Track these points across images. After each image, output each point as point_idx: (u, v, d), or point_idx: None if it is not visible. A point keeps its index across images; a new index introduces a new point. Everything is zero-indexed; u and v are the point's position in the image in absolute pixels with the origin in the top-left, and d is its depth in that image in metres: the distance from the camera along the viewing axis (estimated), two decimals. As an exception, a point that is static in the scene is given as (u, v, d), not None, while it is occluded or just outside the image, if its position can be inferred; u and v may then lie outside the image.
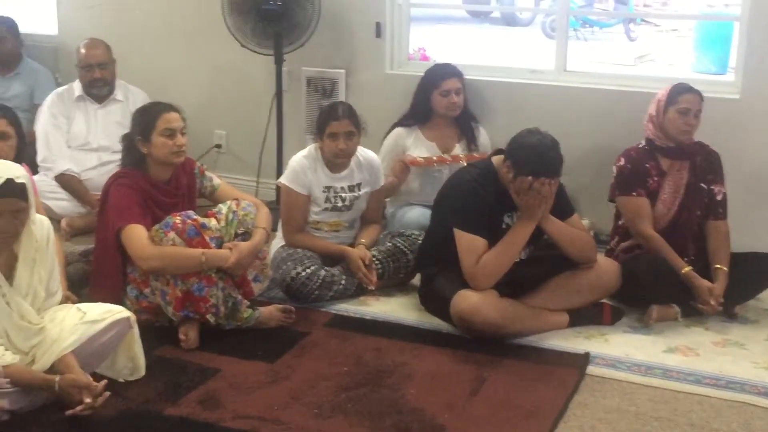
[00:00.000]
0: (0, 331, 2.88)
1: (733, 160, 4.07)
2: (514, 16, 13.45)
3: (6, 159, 3.19)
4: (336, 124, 3.89)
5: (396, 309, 3.86)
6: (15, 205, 2.85)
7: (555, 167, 3.48)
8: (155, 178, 3.60)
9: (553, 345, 3.52)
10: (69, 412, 2.84)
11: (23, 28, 5.64)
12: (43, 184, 4.55)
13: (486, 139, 4.62)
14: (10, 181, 2.83)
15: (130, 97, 5.01)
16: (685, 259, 3.78)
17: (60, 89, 5.03)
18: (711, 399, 3.12)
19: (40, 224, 3.04)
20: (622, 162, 3.90)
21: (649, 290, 3.69)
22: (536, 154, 3.44)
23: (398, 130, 4.56)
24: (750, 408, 3.07)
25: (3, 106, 3.73)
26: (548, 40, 11.76)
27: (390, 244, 4.04)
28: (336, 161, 3.97)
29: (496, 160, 3.64)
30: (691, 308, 3.73)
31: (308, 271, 3.83)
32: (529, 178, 3.44)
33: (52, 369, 2.91)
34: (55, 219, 4.18)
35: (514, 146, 3.52)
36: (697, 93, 3.85)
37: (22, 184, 2.86)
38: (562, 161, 3.50)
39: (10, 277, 2.93)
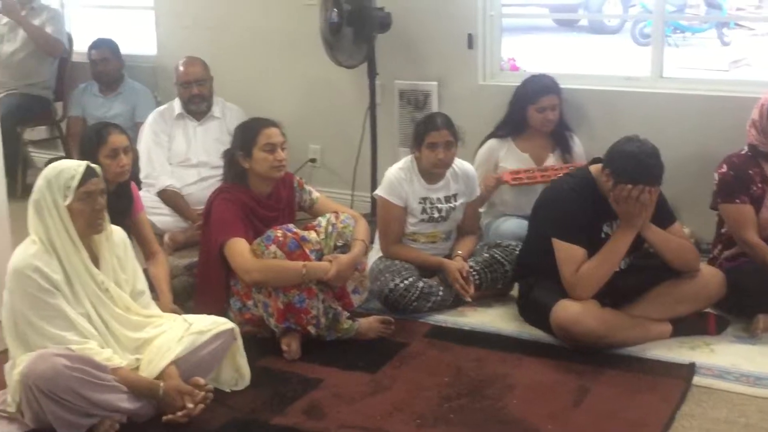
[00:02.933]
0: (99, 324, 2.98)
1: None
2: (602, 23, 13.27)
3: (128, 172, 3.37)
4: (435, 134, 3.91)
5: (494, 319, 3.86)
6: (101, 184, 3.03)
7: (655, 175, 3.43)
8: (256, 192, 3.67)
9: (656, 355, 3.46)
10: (166, 417, 2.93)
11: (124, 50, 5.83)
12: (146, 200, 4.65)
13: (580, 148, 4.58)
14: (90, 166, 3.01)
15: (227, 114, 5.12)
16: (793, 267, 3.69)
17: (161, 108, 5.18)
18: (824, 410, 3.04)
19: (117, 230, 3.18)
20: (724, 169, 3.82)
21: (756, 299, 3.61)
22: (636, 162, 3.40)
23: (491, 141, 4.55)
24: None
25: (114, 123, 3.88)
26: (638, 47, 11.61)
27: (487, 255, 4.04)
28: (434, 171, 3.99)
29: (594, 168, 3.61)
30: (800, 317, 3.63)
31: (406, 282, 3.86)
32: (629, 186, 3.40)
33: (155, 380, 2.99)
34: (158, 234, 4.29)
35: (614, 154, 3.48)
36: (803, 96, 3.76)
37: (97, 168, 3.05)
38: (663, 169, 3.45)
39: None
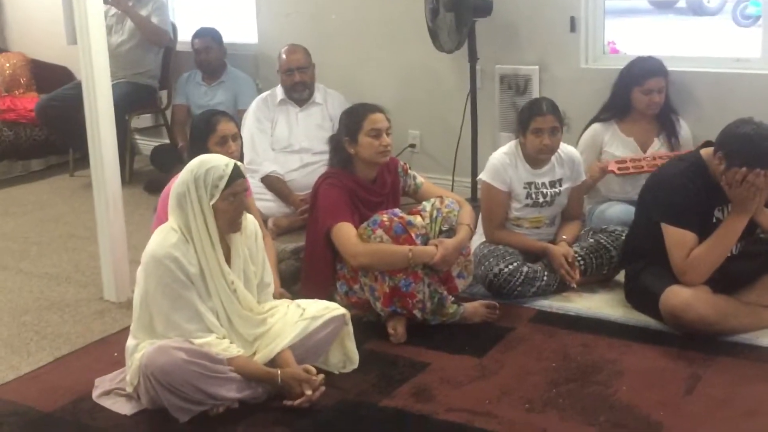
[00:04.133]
0: (224, 320, 3.04)
1: None
2: (701, 4, 12.94)
3: (237, 158, 3.44)
4: (541, 120, 3.88)
5: (600, 305, 3.81)
6: (245, 184, 3.06)
7: (771, 158, 3.34)
8: (362, 177, 3.71)
9: (770, 343, 3.39)
10: (289, 403, 2.98)
11: (226, 38, 5.93)
12: (251, 186, 4.76)
13: (687, 132, 4.48)
14: (237, 165, 3.04)
15: (328, 100, 5.17)
16: None
17: (264, 94, 5.26)
18: None
19: (250, 220, 3.21)
20: (841, 151, 3.69)
21: None
22: (751, 144, 3.32)
23: (595, 126, 4.49)
24: None
25: (223, 111, 3.95)
26: (739, 29, 11.28)
27: (592, 240, 3.99)
28: (540, 157, 3.96)
29: (705, 152, 3.53)
30: None
31: (511, 267, 3.84)
32: (744, 169, 3.32)
33: (270, 363, 3.06)
34: (262, 219, 4.36)
35: (727, 136, 3.40)
36: None
37: (242, 166, 3.08)
38: (779, 152, 3.36)
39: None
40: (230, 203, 2.99)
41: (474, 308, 3.65)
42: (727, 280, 3.49)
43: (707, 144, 3.57)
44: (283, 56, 5.11)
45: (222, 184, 2.96)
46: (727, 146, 3.38)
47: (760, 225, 3.49)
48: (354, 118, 3.69)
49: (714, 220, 3.51)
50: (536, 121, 3.88)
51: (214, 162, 3.02)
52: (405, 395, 3.11)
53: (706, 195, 3.48)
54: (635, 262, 3.71)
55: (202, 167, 2.99)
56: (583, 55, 4.97)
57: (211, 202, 2.97)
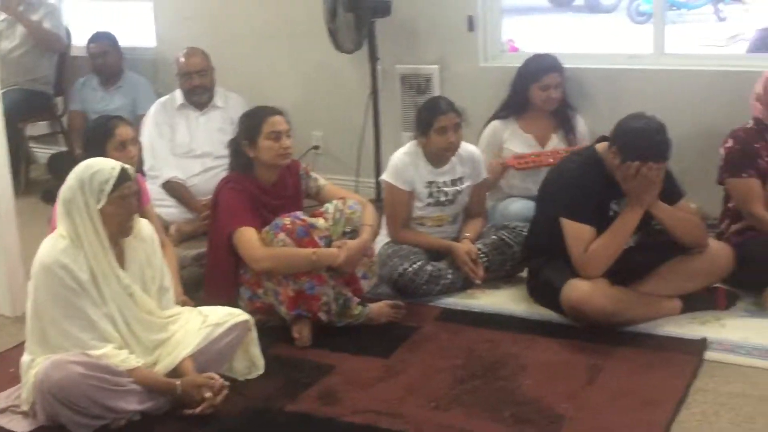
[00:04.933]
0: (122, 326, 2.97)
1: None
2: (598, 2, 13.24)
3: (135, 162, 3.38)
4: (443, 118, 3.90)
5: (504, 301, 3.86)
6: (134, 187, 3.00)
7: (663, 151, 3.43)
8: (262, 180, 3.67)
9: (667, 331, 3.47)
10: (189, 411, 2.92)
11: (123, 42, 5.81)
12: (151, 192, 4.64)
13: (584, 127, 4.57)
14: (124, 168, 2.97)
15: (229, 103, 5.10)
16: (801, 239, 3.69)
17: (163, 99, 5.16)
18: (837, 381, 3.05)
19: (144, 224, 3.16)
20: (730, 143, 3.82)
21: (765, 272, 3.62)
22: (643, 138, 3.40)
23: (495, 123, 4.54)
24: None
25: (119, 116, 3.87)
26: (634, 26, 11.57)
27: (495, 237, 4.04)
28: (446, 155, 3.98)
29: (601, 147, 3.60)
30: (810, 289, 3.64)
31: (415, 266, 3.86)
32: (637, 163, 3.39)
33: (172, 372, 3.00)
34: (164, 226, 4.28)
35: (620, 131, 3.48)
36: (807, 69, 3.75)
37: (131, 169, 3.02)
38: (670, 144, 3.45)
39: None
40: (118, 207, 2.93)
41: (379, 309, 3.65)
42: (624, 271, 3.57)
43: (602, 139, 3.64)
44: (181, 60, 5.02)
45: (108, 188, 2.90)
46: (621, 141, 3.46)
47: (654, 217, 3.57)
48: (252, 122, 3.66)
49: (611, 213, 3.58)
50: (439, 120, 3.90)
51: (100, 165, 2.95)
52: (311, 399, 3.09)
53: (603, 189, 3.55)
54: (537, 257, 3.76)
55: (88, 171, 2.93)
56: (482, 54, 5.03)
57: (99, 206, 2.90)
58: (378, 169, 4.98)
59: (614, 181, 3.51)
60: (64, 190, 2.95)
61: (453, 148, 3.97)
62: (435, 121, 3.92)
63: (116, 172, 2.93)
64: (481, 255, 3.96)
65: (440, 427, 2.87)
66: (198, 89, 5.01)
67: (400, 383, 3.17)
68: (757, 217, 3.72)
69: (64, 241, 2.91)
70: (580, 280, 3.47)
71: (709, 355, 3.27)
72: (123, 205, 2.94)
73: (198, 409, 2.91)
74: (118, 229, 2.97)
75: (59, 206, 2.96)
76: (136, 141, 3.69)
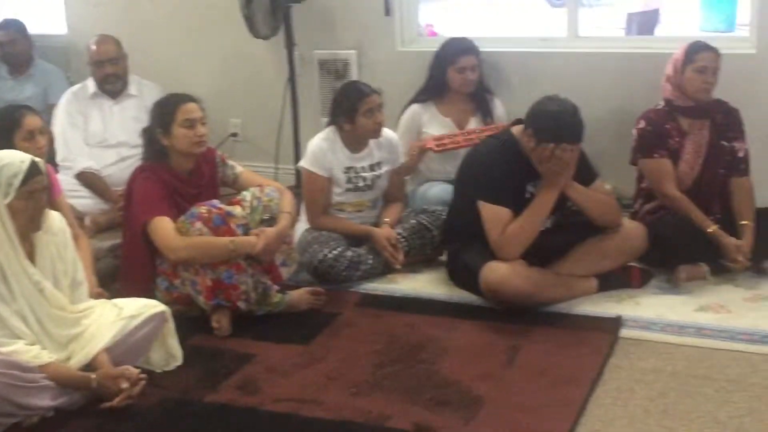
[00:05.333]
0: (33, 323, 2.89)
1: (752, 116, 4.05)
2: (517, -14, 13.37)
3: (45, 154, 3.29)
4: (369, 100, 3.90)
5: (425, 285, 3.88)
6: (44, 181, 2.92)
7: (576, 133, 3.47)
8: (177, 169, 3.61)
9: (584, 311, 3.53)
10: (106, 404, 2.87)
11: (32, 29, 5.64)
12: (65, 183, 4.52)
13: (501, 110, 4.61)
14: (34, 161, 2.89)
15: (144, 91, 5.00)
16: (711, 217, 3.78)
17: (74, 88, 5.04)
18: (747, 354, 3.13)
19: (55, 217, 3.08)
20: (642, 124, 3.89)
21: (677, 250, 3.70)
22: (557, 121, 3.44)
23: (413, 107, 4.55)
24: (787, 361, 3.07)
25: (26, 105, 3.77)
26: (552, 9, 11.71)
27: (414, 221, 4.05)
28: (374, 137, 3.99)
29: (517, 130, 3.63)
30: (719, 266, 3.73)
31: (335, 252, 3.85)
32: (551, 145, 3.43)
33: (86, 366, 2.94)
34: (78, 217, 4.19)
35: (535, 114, 3.51)
36: (714, 50, 3.83)
37: (41, 163, 2.93)
38: (584, 126, 3.50)
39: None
40: (27, 202, 2.85)
41: (299, 296, 3.64)
42: (541, 253, 3.61)
43: (518, 122, 3.67)
44: (93, 47, 4.90)
45: (17, 182, 2.82)
46: (535, 123, 3.49)
47: (569, 198, 3.62)
48: (166, 109, 3.59)
49: (527, 195, 3.62)
50: (366, 103, 3.90)
51: (9, 159, 2.86)
52: (231, 389, 3.06)
53: (519, 171, 3.59)
54: (456, 240, 3.78)
55: None
56: (399, 38, 5.03)
57: (6, 201, 2.82)
58: (297, 156, 4.95)
59: (530, 164, 3.54)
60: None
61: (380, 128, 3.98)
62: (362, 105, 3.90)
63: (25, 166, 2.85)
64: (401, 240, 3.97)
65: (361, 413, 2.86)
66: (111, 77, 4.90)
67: (320, 370, 3.16)
68: (669, 196, 3.80)
69: None
70: (497, 263, 3.50)
71: (624, 332, 3.34)
72: (32, 199, 2.87)
73: (115, 401, 2.86)
74: (27, 224, 2.89)
75: None
76: (45, 131, 3.60)
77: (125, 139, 4.86)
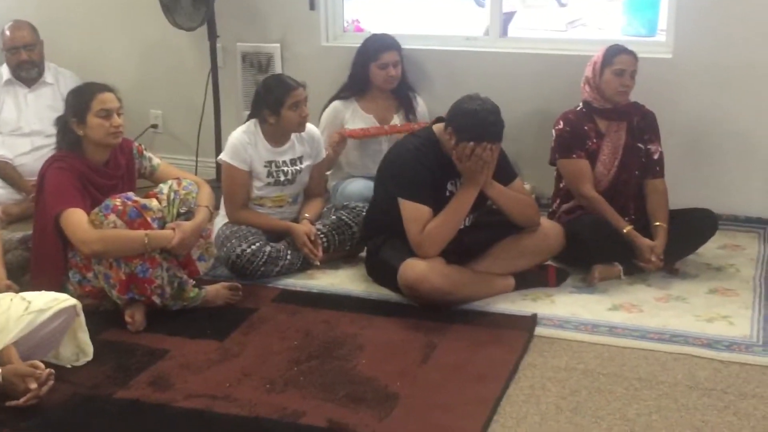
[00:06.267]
0: None
1: (668, 119, 4.14)
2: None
3: None
4: (296, 93, 3.88)
5: (343, 281, 3.86)
6: None
7: (496, 132, 3.49)
8: (92, 160, 3.53)
9: (500, 309, 3.55)
10: (12, 403, 2.79)
11: (-57, 13, 5.48)
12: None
13: (424, 108, 4.62)
14: None
15: (60, 80, 4.91)
16: (626, 218, 3.85)
17: (-13, 74, 4.91)
18: (656, 353, 3.19)
19: None
20: (560, 125, 3.94)
21: (592, 250, 3.75)
22: (477, 120, 3.45)
23: (335, 103, 4.53)
24: (694, 360, 3.13)
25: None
26: (478, 9, 11.79)
27: (334, 218, 4.03)
28: (299, 130, 3.96)
29: (437, 128, 3.64)
30: (633, 266, 3.80)
31: (253, 247, 3.81)
32: (471, 143, 3.45)
33: (-7, 361, 2.86)
34: (-11, 207, 4.09)
35: (455, 113, 3.52)
36: (632, 54, 3.90)
37: None
38: (503, 126, 3.52)
39: None
40: None
41: (216, 291, 3.59)
42: (460, 251, 3.64)
43: (439, 120, 3.68)
44: (7, 33, 4.79)
45: None
46: (456, 122, 3.50)
47: (489, 197, 3.64)
48: (81, 98, 3.50)
49: (447, 194, 3.63)
50: (292, 96, 3.87)
51: None
52: (142, 385, 3.00)
53: (439, 169, 3.60)
54: (375, 237, 3.78)
55: None
56: (324, 33, 5.01)
57: None
58: (218, 149, 4.88)
59: (450, 162, 3.56)
60: None
61: (305, 122, 3.95)
62: (288, 98, 3.87)
63: None
64: (321, 236, 3.95)
65: (275, 409, 2.84)
66: (26, 64, 4.80)
67: (235, 366, 3.13)
68: (586, 197, 3.85)
69: None
70: (416, 260, 3.50)
71: (539, 330, 3.37)
72: None
73: (21, 401, 2.78)
74: None
75: None
76: None
77: (40, 128, 4.77)
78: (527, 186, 4.19)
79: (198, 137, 5.14)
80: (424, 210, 3.54)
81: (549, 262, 3.81)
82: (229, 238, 3.86)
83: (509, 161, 3.77)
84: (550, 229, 3.76)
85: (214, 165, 4.93)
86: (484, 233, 3.73)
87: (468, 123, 3.47)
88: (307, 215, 4.03)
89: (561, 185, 4.03)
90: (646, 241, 3.75)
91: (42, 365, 2.88)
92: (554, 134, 3.96)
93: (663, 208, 3.88)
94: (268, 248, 3.84)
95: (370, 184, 4.17)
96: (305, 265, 3.93)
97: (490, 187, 3.61)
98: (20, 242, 3.77)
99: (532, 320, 3.43)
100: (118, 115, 3.51)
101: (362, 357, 3.18)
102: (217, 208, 3.93)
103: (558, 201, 4.04)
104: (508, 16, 8.47)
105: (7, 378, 2.79)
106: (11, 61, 4.79)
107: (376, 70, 4.46)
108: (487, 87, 3.94)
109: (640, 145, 3.94)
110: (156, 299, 3.41)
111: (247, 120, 4.04)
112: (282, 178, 4.02)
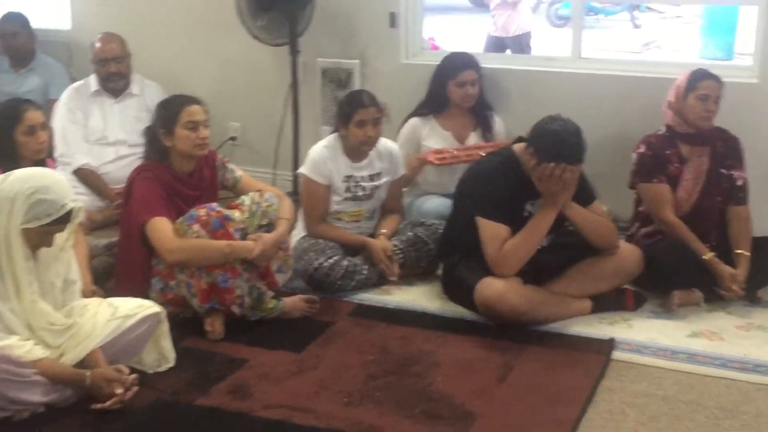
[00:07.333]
0: (26, 328, 2.89)
1: (752, 145, 4.08)
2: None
3: (46, 149, 3.36)
4: (363, 112, 3.90)
5: (418, 298, 3.88)
6: (68, 229, 2.94)
7: (578, 153, 3.48)
8: (178, 170, 3.61)
9: (576, 331, 3.53)
10: (98, 406, 2.86)
11: (35, 23, 5.65)
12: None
13: (501, 127, 4.62)
14: (73, 210, 2.89)
15: (145, 91, 5.02)
16: (707, 244, 3.79)
17: (76, 84, 5.05)
18: (738, 383, 3.14)
19: None
20: (642, 149, 3.91)
21: (672, 275, 3.71)
22: (559, 140, 3.45)
23: (414, 120, 4.56)
24: (777, 391, 3.08)
25: (28, 100, 3.76)
26: (553, 29, 11.76)
27: (411, 234, 4.05)
28: (362, 149, 3.98)
29: (518, 147, 3.64)
30: (713, 293, 3.74)
31: (331, 261, 3.85)
32: (552, 164, 3.44)
33: (80, 364, 2.93)
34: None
35: (537, 133, 3.52)
36: (717, 79, 3.85)
37: (79, 211, 2.94)
38: (585, 147, 3.51)
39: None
40: (41, 238, 2.87)
41: (294, 303, 3.63)
42: (537, 271, 3.62)
43: (520, 139, 3.68)
44: (98, 45, 4.92)
45: (46, 221, 2.82)
46: (537, 142, 3.50)
47: (567, 218, 3.63)
48: (170, 110, 3.59)
49: (525, 214, 3.63)
50: (360, 113, 3.90)
51: (54, 196, 2.83)
52: (222, 393, 3.05)
53: (519, 189, 3.59)
54: (452, 254, 3.78)
55: (39, 194, 2.81)
56: (403, 51, 5.04)
57: (25, 226, 2.82)
58: (296, 162, 4.95)
59: (530, 182, 3.55)
60: (9, 184, 2.83)
61: (370, 142, 3.97)
62: (355, 114, 3.91)
63: (62, 212, 2.84)
64: (397, 252, 3.97)
65: (352, 423, 2.86)
66: (114, 76, 4.92)
67: (312, 378, 3.16)
68: (666, 222, 3.81)
69: None
70: (493, 279, 3.50)
71: (616, 355, 3.34)
72: (46, 238, 2.89)
73: (107, 404, 2.85)
74: (31, 248, 2.89)
75: None
76: (46, 126, 3.60)
77: (124, 138, 4.88)
78: (604, 208, 4.14)
79: (276, 150, 5.20)
80: (502, 229, 3.54)
81: (626, 286, 3.77)
82: (307, 251, 3.91)
83: (589, 183, 3.76)
84: (629, 253, 3.73)
85: (291, 178, 5.00)
86: (561, 254, 3.71)
87: (550, 143, 3.46)
88: (383, 231, 4.05)
89: (640, 209, 4.00)
90: (728, 269, 3.70)
91: (127, 370, 2.95)
92: (635, 158, 3.93)
93: (746, 236, 3.82)
94: (345, 262, 3.88)
95: (446, 201, 4.19)
96: (381, 281, 3.96)
97: (570, 208, 3.59)
98: (105, 248, 3.88)
99: (609, 344, 3.40)
100: (205, 127, 3.58)
101: (438, 374, 3.19)
102: (295, 221, 3.97)
103: (637, 225, 4.01)
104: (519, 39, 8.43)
105: (94, 381, 2.86)
106: (101, 73, 4.92)
107: (454, 88, 4.48)
108: (566, 108, 3.92)
109: (723, 170, 3.89)
110: (235, 309, 3.47)
111: (331, 134, 4.09)
112: (360, 193, 4.06)
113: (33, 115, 3.54)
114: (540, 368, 3.24)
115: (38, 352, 2.84)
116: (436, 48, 6.06)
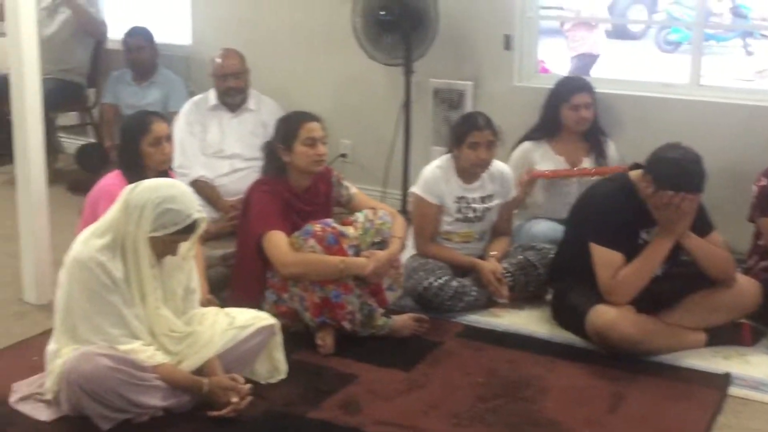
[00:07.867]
0: (147, 331, 2.98)
1: None
2: (625, 28, 13.23)
3: (170, 160, 3.46)
4: (478, 134, 3.91)
5: (527, 322, 3.85)
6: (191, 239, 3.02)
7: (698, 182, 3.42)
8: (295, 186, 3.68)
9: (690, 364, 3.45)
10: (214, 413, 2.92)
11: (158, 38, 5.84)
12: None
13: (615, 153, 4.57)
14: (198, 221, 2.97)
15: (262, 107, 5.13)
16: (831, 281, 3.68)
17: (196, 98, 5.19)
18: None
19: None
20: (763, 182, 3.81)
21: (792, 311, 3.61)
22: (679, 168, 3.39)
23: (526, 144, 4.54)
24: None
25: (156, 112, 3.89)
26: (662, 54, 11.55)
27: (521, 257, 4.03)
28: (474, 171, 3.99)
29: (634, 174, 3.60)
30: (834, 331, 3.62)
31: (440, 281, 3.86)
32: (671, 192, 3.39)
33: (198, 371, 3.00)
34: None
35: (656, 160, 3.47)
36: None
37: (203, 221, 3.01)
38: (705, 177, 3.44)
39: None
40: (167, 246, 2.97)
41: (403, 321, 3.65)
42: (651, 300, 3.56)
43: (636, 166, 3.64)
44: (218, 61, 5.05)
45: (173, 230, 2.91)
46: (656, 170, 3.45)
47: (684, 248, 3.56)
48: (290, 126, 3.67)
49: (640, 242, 3.57)
50: (473, 135, 3.91)
51: (181, 206, 2.92)
52: (333, 407, 3.09)
53: (634, 216, 3.55)
54: (562, 280, 3.76)
55: (167, 203, 2.90)
56: (517, 73, 5.04)
57: (152, 234, 2.91)
58: (406, 181, 4.99)
59: (646, 210, 3.50)
60: (139, 193, 2.93)
61: (483, 165, 3.98)
62: (469, 136, 3.92)
63: (188, 222, 2.92)
64: (507, 274, 3.95)
65: (461, 444, 2.87)
66: (232, 91, 5.04)
67: (421, 397, 3.17)
68: (787, 257, 3.71)
69: (100, 240, 2.91)
70: (606, 306, 3.46)
71: (732, 390, 3.26)
72: (171, 246, 2.98)
73: (223, 412, 2.92)
74: (156, 256, 2.99)
75: (121, 202, 2.95)
76: (170, 138, 3.72)
77: (240, 152, 4.99)
78: (721, 239, 4.06)
79: (386, 169, 5.25)
80: (617, 256, 3.50)
81: (743, 320, 3.68)
82: (417, 270, 3.93)
83: (707, 213, 3.68)
84: (747, 286, 3.64)
85: (400, 197, 5.03)
86: (676, 284, 3.64)
87: (669, 171, 3.41)
88: (493, 253, 4.04)
89: (760, 242, 3.90)
90: None
91: (242, 379, 3.02)
92: (756, 190, 3.83)
93: None
94: (454, 283, 3.89)
95: (556, 226, 4.16)
96: (489, 303, 3.95)
97: (687, 238, 3.53)
98: (222, 259, 3.97)
99: (725, 379, 3.32)
100: (323, 144, 3.64)
101: (547, 400, 3.17)
102: (405, 239, 4.00)
103: (756, 257, 3.91)
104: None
105: (211, 388, 2.94)
106: (220, 87, 5.05)
107: (568, 112, 4.45)
108: (683, 135, 3.86)
109: None
110: (346, 324, 3.51)
111: (445, 154, 4.11)
112: (471, 215, 4.06)
113: (159, 127, 3.65)
114: (652, 400, 3.18)
115: (159, 358, 2.93)
116: (546, 71, 6.02)
